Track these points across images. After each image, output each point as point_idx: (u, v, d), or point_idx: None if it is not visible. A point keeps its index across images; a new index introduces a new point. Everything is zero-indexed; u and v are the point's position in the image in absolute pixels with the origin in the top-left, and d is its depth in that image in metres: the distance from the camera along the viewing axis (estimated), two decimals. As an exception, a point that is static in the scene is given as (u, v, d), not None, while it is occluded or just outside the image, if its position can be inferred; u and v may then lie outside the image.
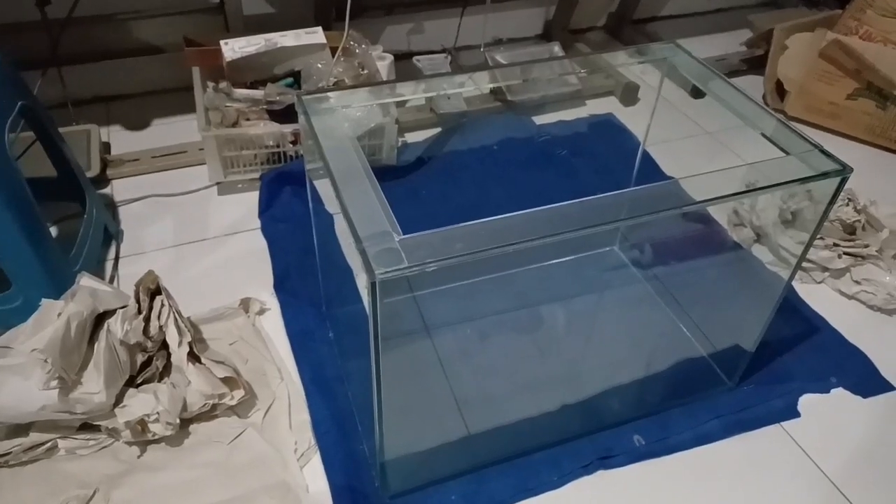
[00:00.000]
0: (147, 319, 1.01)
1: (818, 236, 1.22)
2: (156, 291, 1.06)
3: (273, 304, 1.25)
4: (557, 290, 1.35)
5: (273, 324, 1.22)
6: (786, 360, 1.20)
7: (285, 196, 1.47)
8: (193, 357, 1.00)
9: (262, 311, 1.23)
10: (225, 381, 1.01)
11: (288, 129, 1.44)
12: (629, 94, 1.89)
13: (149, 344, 1.00)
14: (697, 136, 1.85)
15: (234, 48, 1.47)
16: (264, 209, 1.45)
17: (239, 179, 1.50)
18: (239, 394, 1.02)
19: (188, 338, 1.01)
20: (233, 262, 1.34)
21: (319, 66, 1.51)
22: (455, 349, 1.21)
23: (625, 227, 1.42)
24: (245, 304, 1.21)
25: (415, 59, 1.77)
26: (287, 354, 1.16)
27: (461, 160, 1.65)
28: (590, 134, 1.79)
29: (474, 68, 1.85)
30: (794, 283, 1.36)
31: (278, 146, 1.46)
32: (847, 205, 1.39)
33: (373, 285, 0.68)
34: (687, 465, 1.04)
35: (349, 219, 0.73)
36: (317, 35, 1.52)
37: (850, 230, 1.37)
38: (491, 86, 1.76)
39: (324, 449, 1.02)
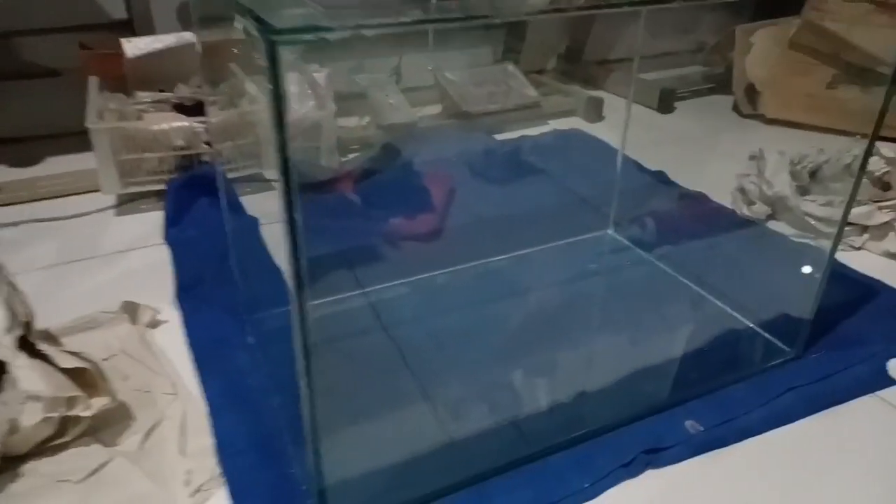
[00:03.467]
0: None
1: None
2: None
3: (172, 316, 0.93)
4: (550, 275, 1.07)
5: (171, 338, 0.89)
6: (854, 325, 0.93)
7: (199, 206, 1.19)
8: (27, 346, 0.67)
9: (155, 323, 0.90)
10: (77, 379, 0.67)
11: (202, 126, 1.20)
12: (593, 110, 1.73)
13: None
14: (676, 140, 1.68)
15: (137, 45, 1.25)
16: (172, 223, 1.16)
17: (140, 193, 1.21)
18: (100, 402, 0.68)
19: (22, 317, 0.68)
20: (128, 278, 1.03)
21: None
22: (428, 344, 0.90)
23: (617, 209, 1.18)
24: (131, 311, 0.89)
25: (357, 77, 1.59)
26: (187, 370, 0.83)
27: (419, 170, 1.41)
28: (559, 146, 1.60)
29: (422, 87, 1.68)
30: (831, 251, 1.11)
31: (190, 147, 1.20)
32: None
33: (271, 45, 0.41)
34: (764, 452, 0.73)
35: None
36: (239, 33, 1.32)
37: (884, 186, 1.15)
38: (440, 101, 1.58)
39: (234, 477, 0.67)
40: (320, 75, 1.47)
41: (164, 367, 0.82)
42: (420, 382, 0.82)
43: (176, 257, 1.06)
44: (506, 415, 0.77)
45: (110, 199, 1.26)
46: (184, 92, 1.26)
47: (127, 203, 1.25)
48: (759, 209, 1.21)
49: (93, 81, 1.28)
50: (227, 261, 1.02)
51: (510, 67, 1.74)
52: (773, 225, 1.21)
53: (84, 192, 1.27)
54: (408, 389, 0.81)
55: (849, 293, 1.00)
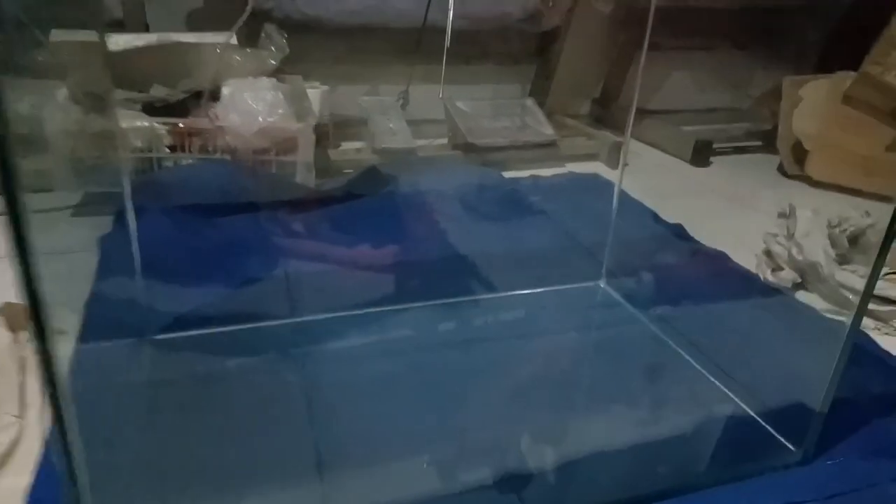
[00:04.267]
0: None
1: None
2: None
3: (72, 328, 0.81)
4: (518, 326, 0.91)
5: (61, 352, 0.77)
6: (883, 427, 0.73)
7: (148, 212, 1.08)
8: None
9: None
10: None
11: (165, 127, 1.11)
12: (616, 155, 1.58)
13: None
14: (704, 195, 1.50)
15: (117, 41, 1.19)
16: (115, 226, 1.06)
17: (100, 194, 1.12)
18: None
19: None
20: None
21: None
22: (341, 396, 0.74)
23: (611, 258, 1.01)
24: (11, 314, 0.77)
25: (360, 98, 1.49)
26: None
27: (406, 199, 1.29)
28: (570, 189, 1.45)
29: (430, 118, 1.57)
30: (873, 334, 0.91)
31: (150, 150, 1.11)
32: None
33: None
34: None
35: None
36: (225, 35, 1.25)
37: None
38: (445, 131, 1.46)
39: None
40: (315, 91, 1.38)
41: (26, 385, 0.70)
42: (313, 444, 0.66)
43: (104, 256, 0.96)
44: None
45: (74, 199, 1.18)
46: (160, 93, 1.18)
47: (91, 205, 1.17)
48: (787, 276, 1.02)
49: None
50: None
51: (529, 103, 1.61)
52: (802, 296, 1.01)
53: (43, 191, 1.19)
54: (295, 455, 0.66)
55: (881, 385, 0.80)
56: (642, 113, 1.95)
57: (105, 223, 1.07)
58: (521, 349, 0.88)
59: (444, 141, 1.52)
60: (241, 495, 0.61)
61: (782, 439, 0.69)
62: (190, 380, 0.74)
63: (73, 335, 0.79)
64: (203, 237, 1.03)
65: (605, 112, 2.01)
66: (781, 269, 1.03)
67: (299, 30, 1.50)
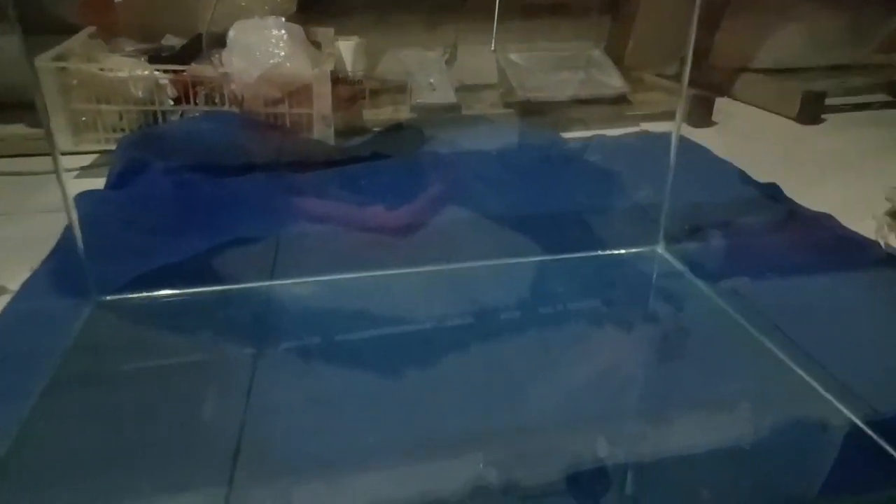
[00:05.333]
0: None
1: None
2: None
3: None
4: (543, 296, 0.73)
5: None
6: None
7: (150, 169, 0.98)
8: None
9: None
10: None
11: (167, 77, 1.00)
12: (700, 111, 1.34)
13: None
14: (811, 154, 1.23)
15: (128, -11, 1.10)
16: (115, 183, 0.97)
17: (98, 152, 1.04)
18: None
19: None
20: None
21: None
22: (299, 377, 0.60)
23: (670, 220, 0.80)
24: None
25: (399, 52, 1.34)
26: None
27: (440, 160, 1.12)
28: (640, 149, 1.22)
29: (482, 78, 1.39)
30: None
31: (153, 102, 1.01)
32: None
33: None
34: None
35: None
36: (248, -18, 1.13)
37: None
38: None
39: None
40: (347, 44, 1.24)
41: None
42: (236, 434, 0.52)
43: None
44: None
45: (85, 160, 1.11)
46: (172, 42, 1.08)
47: (100, 167, 1.10)
48: (918, 242, 0.77)
49: (86, 31, 1.15)
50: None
51: (596, 53, 1.39)
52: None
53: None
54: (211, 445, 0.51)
55: None
56: (741, 71, 1.68)
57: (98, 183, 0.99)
58: (544, 328, 0.69)
59: (495, 98, 1.34)
60: (137, 476, 0.47)
61: (900, 460, 0.47)
62: (115, 347, 0.62)
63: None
64: (193, 196, 0.92)
65: (696, 72, 1.74)
66: (911, 233, 0.78)
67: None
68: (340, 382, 0.58)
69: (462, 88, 1.37)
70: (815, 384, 0.56)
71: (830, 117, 1.41)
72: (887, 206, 0.84)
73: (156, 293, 0.70)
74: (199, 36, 1.01)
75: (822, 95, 1.37)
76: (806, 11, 1.74)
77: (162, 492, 0.47)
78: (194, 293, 0.71)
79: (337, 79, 1.24)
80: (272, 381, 0.57)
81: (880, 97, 1.51)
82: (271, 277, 0.74)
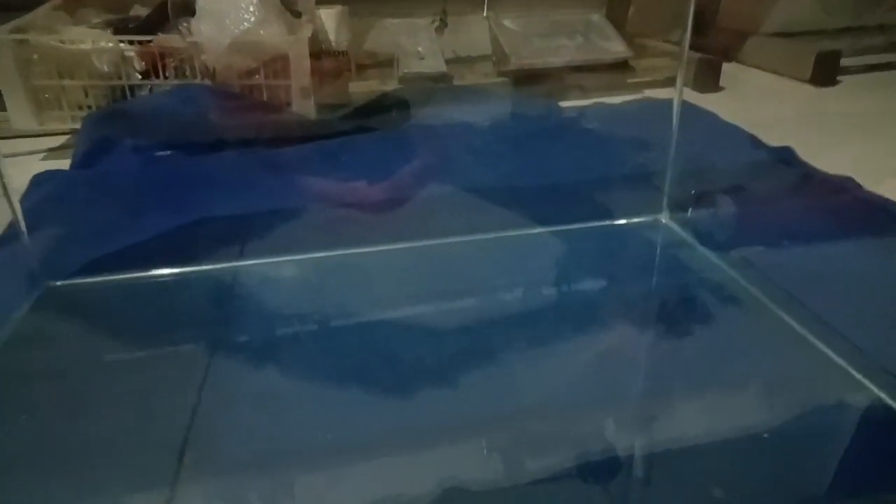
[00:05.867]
0: None
1: None
2: None
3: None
4: (533, 272, 0.66)
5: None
6: None
7: (118, 148, 0.92)
8: None
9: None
10: None
11: (134, 49, 0.94)
12: (706, 76, 1.26)
13: None
14: (827, 118, 1.15)
15: (93, -43, 1.03)
16: (80, 162, 0.91)
17: (67, 133, 0.98)
18: None
19: None
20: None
21: None
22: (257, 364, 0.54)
23: (676, 184, 0.73)
24: None
25: (386, 22, 1.27)
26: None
27: (428, 131, 1.05)
28: (643, 117, 1.15)
29: (476, 46, 1.32)
30: None
31: (119, 76, 0.95)
32: None
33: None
34: None
35: None
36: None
37: None
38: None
39: None
40: (329, 11, 1.17)
41: None
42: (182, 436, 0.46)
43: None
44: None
45: (54, 142, 1.05)
46: (141, 13, 1.02)
47: (69, 148, 1.03)
48: (949, 204, 0.69)
49: (50, 3, 1.08)
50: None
51: (595, 18, 1.32)
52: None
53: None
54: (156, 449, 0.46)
55: None
56: (749, 35, 1.59)
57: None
58: (547, 302, 0.63)
59: (489, 67, 1.27)
60: (71, 478, 0.42)
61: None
62: (59, 336, 0.56)
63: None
64: (162, 175, 0.86)
65: (702, 37, 1.66)
66: (941, 194, 0.71)
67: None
68: (304, 374, 0.52)
69: (454, 59, 1.30)
70: (842, 362, 0.49)
71: (845, 79, 1.33)
72: (913, 165, 0.77)
73: (111, 277, 0.64)
74: (165, 3, 0.95)
75: (837, 55, 1.29)
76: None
77: (97, 494, 0.42)
78: (154, 276, 0.65)
79: (320, 50, 1.17)
80: (228, 373, 0.51)
81: (897, 57, 1.42)
82: (240, 257, 0.68)
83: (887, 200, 0.75)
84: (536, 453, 0.44)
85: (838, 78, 1.31)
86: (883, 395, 0.46)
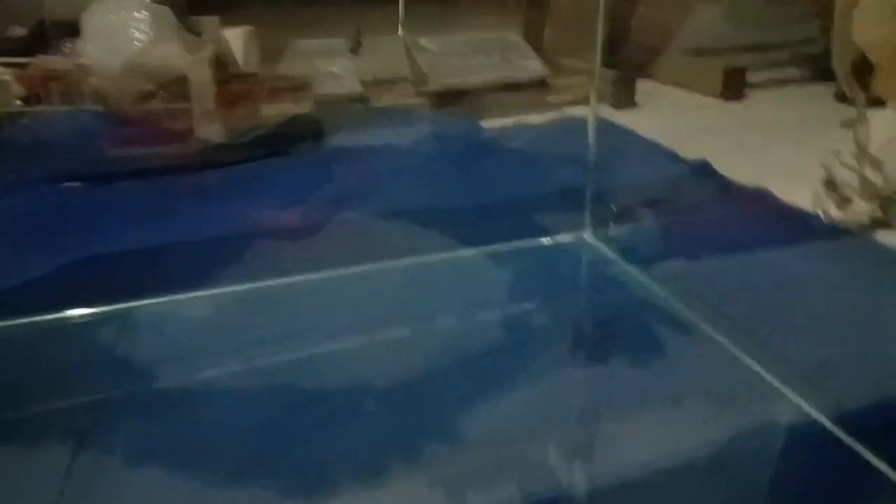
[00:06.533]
0: None
1: None
2: None
3: None
4: (448, 301, 0.62)
5: None
6: None
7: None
8: None
9: None
10: None
11: (10, 72, 0.85)
12: (624, 92, 1.27)
13: None
14: (738, 129, 1.18)
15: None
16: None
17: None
18: None
19: None
20: None
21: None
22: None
23: (597, 201, 0.71)
24: None
25: (299, 43, 1.22)
26: None
27: (341, 153, 1.01)
28: (561, 134, 1.14)
29: (393, 66, 1.29)
30: None
31: (-3, 102, 0.86)
32: None
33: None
34: None
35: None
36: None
37: None
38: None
39: None
40: (234, 32, 1.11)
41: None
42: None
43: None
44: None
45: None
46: (20, 33, 0.93)
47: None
48: (860, 208, 0.70)
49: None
50: None
51: (512, 37, 1.31)
52: (885, 237, 0.70)
53: None
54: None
55: None
56: (661, 52, 1.63)
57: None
58: (476, 330, 0.59)
59: (407, 88, 1.24)
60: None
61: (879, 464, 0.39)
62: None
63: None
64: (45, 211, 0.78)
65: (616, 55, 1.69)
66: (850, 200, 0.72)
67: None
68: (203, 427, 0.46)
69: (372, 83, 1.26)
70: (768, 377, 0.48)
71: (753, 93, 1.38)
72: (823, 175, 0.78)
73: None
74: (43, 22, 0.87)
75: (742, 70, 1.33)
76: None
77: None
78: (33, 322, 0.57)
79: (227, 73, 1.11)
80: (108, 436, 0.45)
81: (799, 72, 1.48)
82: (136, 296, 0.61)
83: (798, 209, 0.76)
84: (478, 487, 0.40)
85: (745, 92, 1.36)
86: (811, 409, 0.44)
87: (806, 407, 0.45)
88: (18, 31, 0.92)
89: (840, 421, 0.43)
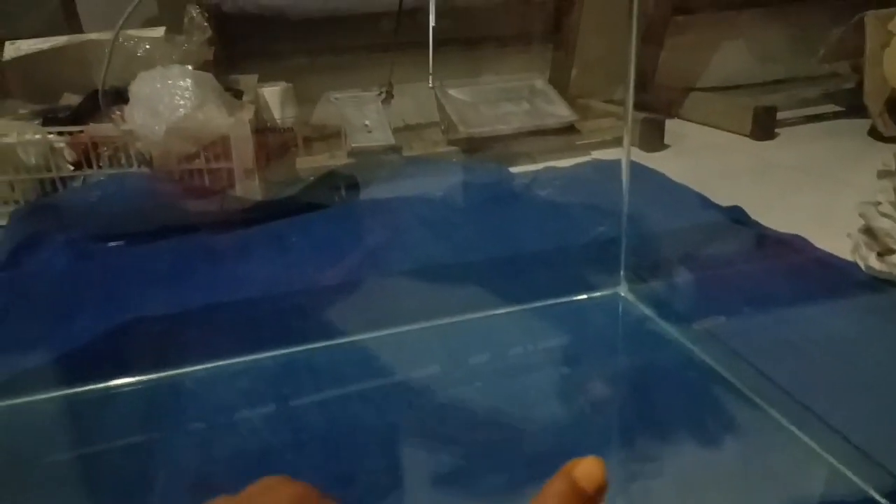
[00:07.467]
0: None
1: None
2: None
3: None
4: (501, 360, 0.63)
5: None
6: None
7: (49, 243, 0.87)
8: None
9: None
10: None
11: (63, 139, 0.90)
12: (651, 135, 1.28)
13: None
14: (770, 171, 1.17)
15: (19, 48, 1.00)
16: (7, 262, 0.85)
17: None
18: None
19: None
20: None
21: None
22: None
23: (631, 257, 0.72)
24: None
25: (332, 95, 1.26)
26: None
27: (376, 206, 1.03)
28: (592, 179, 1.15)
29: (423, 115, 1.32)
30: None
31: (49, 168, 0.90)
32: None
33: None
34: None
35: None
36: (154, 31, 1.04)
37: None
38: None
39: None
40: (273, 90, 1.16)
41: None
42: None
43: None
44: None
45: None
46: (72, 102, 0.98)
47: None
48: (901, 261, 0.69)
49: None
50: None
51: (539, 84, 1.33)
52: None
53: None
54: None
55: None
56: (689, 91, 1.64)
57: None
58: (511, 393, 0.59)
59: (438, 137, 1.26)
60: None
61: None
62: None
63: None
64: (93, 271, 0.81)
65: (643, 94, 1.70)
66: (893, 251, 0.71)
67: (258, 24, 1.30)
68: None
69: (403, 129, 1.29)
70: (815, 446, 0.47)
71: (784, 131, 1.37)
72: (860, 222, 0.77)
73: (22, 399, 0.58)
74: (96, 92, 0.91)
75: (773, 109, 1.33)
76: (749, 26, 1.73)
77: None
78: (78, 393, 0.60)
79: (265, 128, 1.15)
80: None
81: (830, 108, 1.47)
82: (167, 366, 0.63)
83: (839, 259, 0.75)
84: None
85: (777, 130, 1.35)
86: (862, 485, 0.43)
87: (859, 483, 0.44)
88: (72, 98, 0.97)
89: (874, 478, 0.42)
